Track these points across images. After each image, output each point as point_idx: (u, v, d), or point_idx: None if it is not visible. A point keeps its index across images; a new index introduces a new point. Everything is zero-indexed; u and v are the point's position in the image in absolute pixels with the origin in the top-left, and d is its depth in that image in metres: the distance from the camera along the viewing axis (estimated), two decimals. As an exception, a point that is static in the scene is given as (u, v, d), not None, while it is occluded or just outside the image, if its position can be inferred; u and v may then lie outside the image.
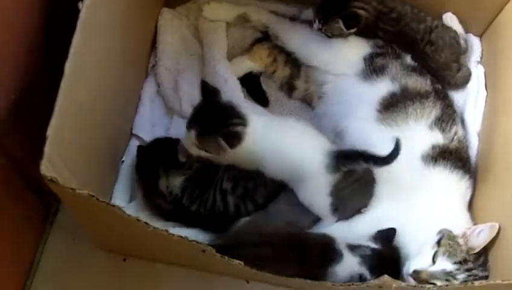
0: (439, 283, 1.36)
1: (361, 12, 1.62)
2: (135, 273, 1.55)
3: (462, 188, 1.56)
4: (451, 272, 1.38)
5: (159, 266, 1.55)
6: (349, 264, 1.39)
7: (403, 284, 1.18)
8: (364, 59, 1.66)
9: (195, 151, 1.46)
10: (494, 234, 1.41)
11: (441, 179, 1.54)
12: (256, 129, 1.45)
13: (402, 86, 1.61)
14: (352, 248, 1.42)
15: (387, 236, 1.44)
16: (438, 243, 1.42)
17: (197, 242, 1.15)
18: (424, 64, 1.70)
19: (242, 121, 1.44)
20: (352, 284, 1.23)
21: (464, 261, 1.40)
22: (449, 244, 1.42)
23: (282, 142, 1.47)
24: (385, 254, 1.42)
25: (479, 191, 1.59)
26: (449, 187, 1.55)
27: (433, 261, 1.40)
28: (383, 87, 1.62)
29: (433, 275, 1.38)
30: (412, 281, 1.38)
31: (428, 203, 1.52)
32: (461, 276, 1.38)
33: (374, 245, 1.42)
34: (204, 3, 1.81)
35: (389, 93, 1.60)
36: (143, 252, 1.52)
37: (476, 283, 1.21)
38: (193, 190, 1.54)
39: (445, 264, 1.40)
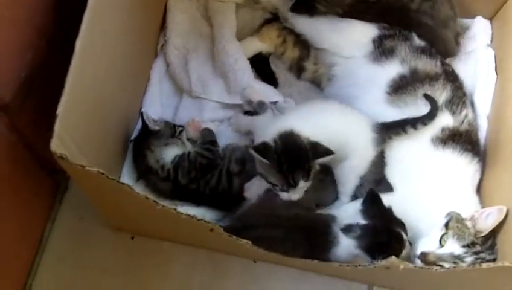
0: (446, 265, 1.37)
1: None
2: (143, 251, 1.56)
3: (471, 171, 1.56)
4: (459, 255, 1.39)
5: (166, 245, 1.56)
6: (347, 247, 1.37)
7: (411, 265, 1.18)
8: (374, 41, 1.65)
9: (297, 196, 1.42)
10: (502, 217, 1.41)
11: (450, 162, 1.54)
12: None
13: (411, 68, 1.60)
14: (345, 230, 1.38)
15: (372, 200, 1.41)
16: (446, 225, 1.42)
17: (204, 221, 1.16)
18: (420, 28, 1.67)
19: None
20: (360, 265, 1.23)
21: (472, 244, 1.40)
22: (457, 227, 1.42)
23: (331, 127, 1.47)
24: (374, 227, 1.37)
25: (487, 175, 1.58)
26: (458, 170, 1.55)
27: (441, 244, 1.41)
28: (393, 69, 1.61)
29: (441, 258, 1.39)
30: (419, 263, 1.39)
31: (437, 186, 1.52)
32: (469, 259, 1.39)
33: (363, 220, 1.38)
34: (214, -17, 1.80)
35: (398, 76, 1.60)
36: (151, 230, 1.53)
37: (484, 265, 1.20)
38: (189, 170, 1.54)
39: (453, 247, 1.39)
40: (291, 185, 1.38)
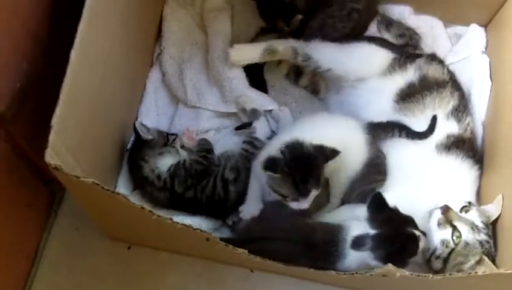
0: (461, 228, 1.40)
1: None
2: (140, 261, 1.56)
3: (472, 177, 1.57)
4: (478, 226, 1.42)
5: (163, 254, 1.56)
6: (357, 259, 1.35)
7: (407, 273, 1.18)
8: (390, 64, 1.65)
9: (306, 205, 1.39)
10: (500, 203, 1.47)
11: (453, 168, 1.55)
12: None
13: (421, 75, 1.61)
14: (356, 244, 1.35)
15: (378, 204, 1.37)
16: (469, 203, 1.47)
17: (201, 230, 1.15)
18: None
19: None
20: (356, 273, 1.23)
21: (487, 226, 1.44)
22: (478, 209, 1.46)
23: (330, 138, 1.44)
24: (387, 236, 1.33)
25: (484, 181, 1.59)
26: (460, 175, 1.56)
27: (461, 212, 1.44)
28: (402, 79, 1.62)
29: (462, 219, 1.42)
30: (434, 215, 1.43)
31: (439, 191, 1.52)
32: (483, 237, 1.42)
33: (373, 230, 1.34)
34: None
35: (407, 84, 1.60)
36: (147, 240, 1.52)
37: (479, 271, 1.21)
38: (185, 178, 1.54)
39: (475, 218, 1.43)
40: (304, 194, 1.36)
